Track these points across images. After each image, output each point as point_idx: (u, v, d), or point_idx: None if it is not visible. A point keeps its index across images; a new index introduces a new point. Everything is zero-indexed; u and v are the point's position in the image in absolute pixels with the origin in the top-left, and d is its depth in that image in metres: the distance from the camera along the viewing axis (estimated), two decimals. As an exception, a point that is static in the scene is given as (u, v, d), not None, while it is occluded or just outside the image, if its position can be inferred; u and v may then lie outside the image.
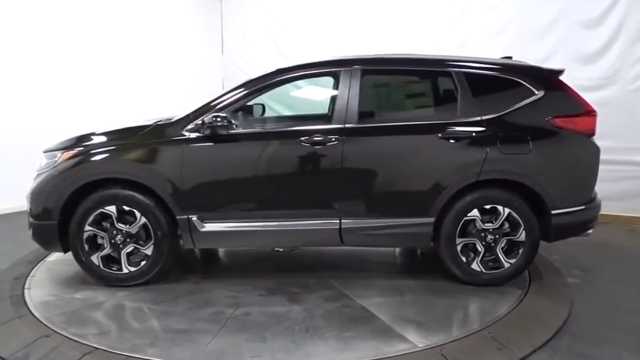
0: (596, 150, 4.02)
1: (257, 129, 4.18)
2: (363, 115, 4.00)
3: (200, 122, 3.90)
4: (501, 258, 4.00)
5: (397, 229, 3.97)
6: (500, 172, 3.95)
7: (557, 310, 3.75)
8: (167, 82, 8.51)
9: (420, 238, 4.03)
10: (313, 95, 5.29)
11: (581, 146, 4.01)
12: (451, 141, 3.90)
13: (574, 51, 6.16)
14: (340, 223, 3.94)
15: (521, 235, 3.97)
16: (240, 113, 4.24)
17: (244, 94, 4.04)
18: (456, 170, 3.90)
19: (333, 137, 3.88)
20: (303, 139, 3.88)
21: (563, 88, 4.07)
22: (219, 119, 3.81)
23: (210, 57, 9.33)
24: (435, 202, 3.93)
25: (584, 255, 5.00)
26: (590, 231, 4.17)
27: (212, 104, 3.99)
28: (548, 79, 4.09)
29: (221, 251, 5.04)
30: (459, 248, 4.00)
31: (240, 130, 3.98)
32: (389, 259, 4.78)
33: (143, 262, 3.99)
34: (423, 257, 4.91)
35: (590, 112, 4.03)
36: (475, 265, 4.01)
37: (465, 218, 3.96)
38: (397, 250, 4.99)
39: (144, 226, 3.95)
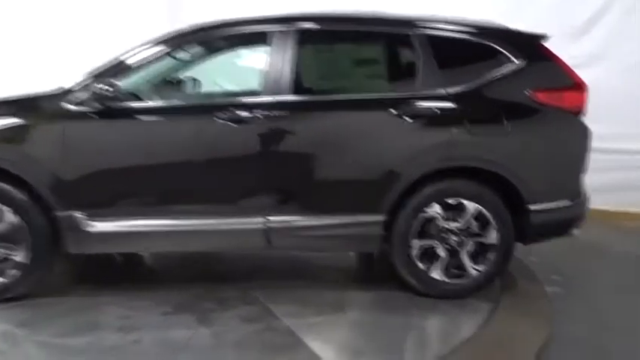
0: (586, 132, 3.26)
1: (161, 103, 3.29)
2: (299, 86, 3.17)
3: (87, 92, 3.03)
4: (467, 264, 3.23)
5: (338, 230, 3.17)
6: (468, 158, 3.17)
7: (534, 331, 3.02)
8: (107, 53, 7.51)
9: (367, 240, 3.24)
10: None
11: (569, 127, 3.25)
12: (407, 119, 3.09)
13: (560, 22, 5.35)
14: (267, 221, 3.13)
15: (493, 237, 3.20)
16: (150, 84, 3.37)
17: (150, 58, 3.17)
18: (413, 155, 3.10)
19: (258, 113, 3.04)
20: (218, 114, 3.04)
21: (548, 56, 3.29)
22: (106, 87, 2.94)
23: (156, 26, 8.35)
24: (386, 195, 3.13)
25: (564, 257, 4.27)
26: (576, 231, 3.43)
27: (105, 69, 3.12)
28: (530, 45, 3.31)
29: (131, 254, 4.04)
30: (415, 253, 3.21)
31: (138, 104, 3.12)
32: (335, 265, 3.95)
33: (14, 271, 3.12)
34: (379, 261, 4.09)
35: (580, 86, 3.26)
36: (435, 274, 3.24)
37: (424, 216, 3.17)
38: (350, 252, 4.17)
39: (13, 225, 3.07)
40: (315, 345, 2.72)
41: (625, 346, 2.94)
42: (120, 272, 3.86)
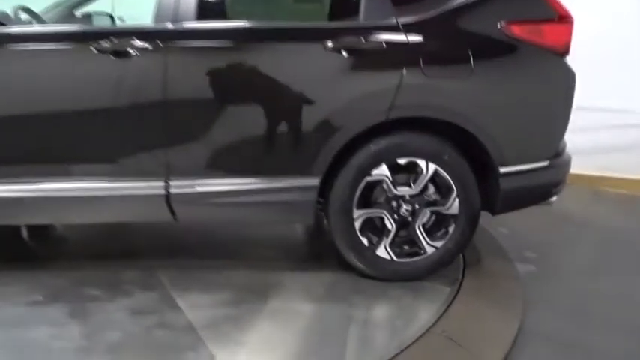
0: (571, 76, 2.62)
1: (19, 28, 2.52)
2: (206, 10, 2.45)
3: None
4: (422, 240, 2.61)
5: (260, 196, 2.50)
6: (423, 106, 2.50)
7: (501, 322, 2.44)
8: None
9: (297, 210, 2.57)
10: None
11: (550, 69, 2.62)
12: (347, 55, 2.40)
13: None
14: (168, 186, 2.44)
15: (453, 206, 2.58)
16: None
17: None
18: (354, 102, 2.43)
19: (148, 44, 2.32)
20: (96, 45, 2.30)
21: (525, -21, 2.62)
22: None
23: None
24: (320, 153, 2.46)
25: (539, 228, 3.72)
26: (554, 198, 2.83)
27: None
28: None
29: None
30: (358, 225, 2.57)
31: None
32: (268, 239, 3.27)
33: None
34: (319, 236, 3.45)
35: (565, 19, 2.60)
36: (382, 251, 2.61)
37: (368, 179, 2.52)
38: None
39: None
40: (219, 346, 2.07)
41: (608, 340, 2.38)
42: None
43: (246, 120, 2.43)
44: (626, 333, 2.44)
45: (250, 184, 2.48)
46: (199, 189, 2.45)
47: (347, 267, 2.69)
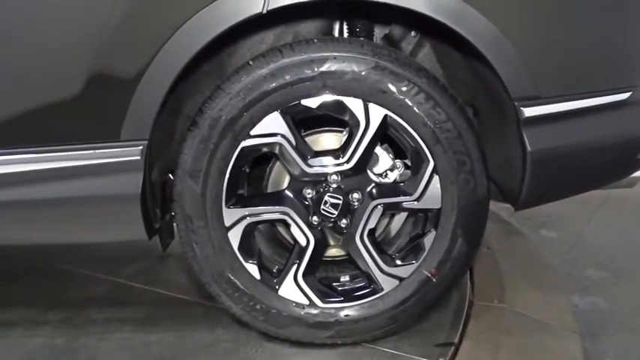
0: None
1: None
2: None
3: None
4: (372, 264, 1.27)
5: (18, 190, 1.22)
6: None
7: None
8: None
9: (105, 213, 1.27)
10: None
11: None
12: None
13: None
14: None
15: (429, 192, 1.22)
16: None
17: None
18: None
19: None
20: None
21: None
22: None
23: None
24: (132, 92, 1.15)
25: (610, 222, 2.28)
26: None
27: None
28: None
29: None
30: (235, 239, 1.25)
31: None
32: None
33: None
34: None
35: None
36: (291, 289, 1.29)
37: (244, 145, 1.19)
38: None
39: None
40: None
41: None
42: None
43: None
44: None
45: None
46: None
47: (232, 320, 1.38)
